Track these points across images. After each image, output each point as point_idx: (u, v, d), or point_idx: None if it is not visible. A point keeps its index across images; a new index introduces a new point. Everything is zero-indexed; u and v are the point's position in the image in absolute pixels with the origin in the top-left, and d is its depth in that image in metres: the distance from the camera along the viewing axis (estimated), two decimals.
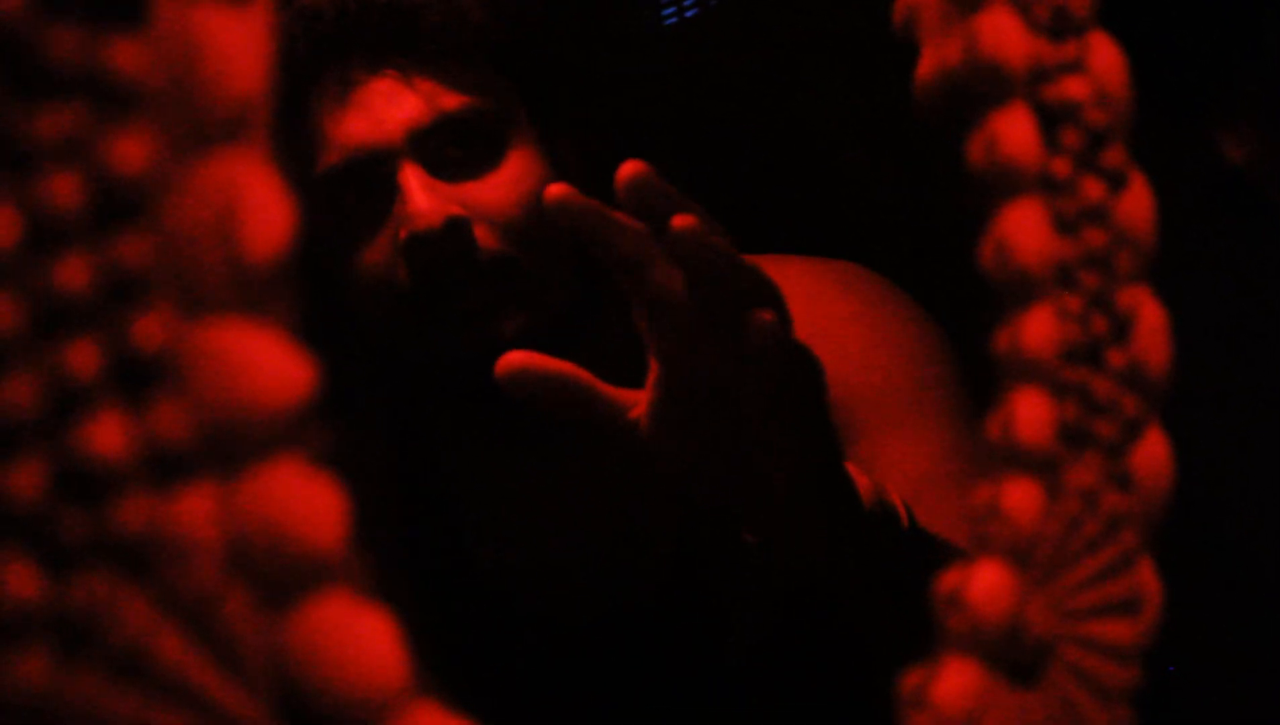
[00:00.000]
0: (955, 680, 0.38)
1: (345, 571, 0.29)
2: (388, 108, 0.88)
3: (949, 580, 0.39)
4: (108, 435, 0.28)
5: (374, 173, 0.89)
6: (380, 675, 0.30)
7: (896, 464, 0.87)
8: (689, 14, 1.76)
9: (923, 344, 0.94)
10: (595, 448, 0.95)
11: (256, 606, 0.29)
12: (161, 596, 0.29)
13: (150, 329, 0.28)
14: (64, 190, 0.28)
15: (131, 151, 0.29)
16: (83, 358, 0.28)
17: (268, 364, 0.29)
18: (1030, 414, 0.39)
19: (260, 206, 0.29)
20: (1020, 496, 0.39)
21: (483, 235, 0.88)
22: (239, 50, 0.29)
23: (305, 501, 0.29)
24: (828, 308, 0.94)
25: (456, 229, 0.87)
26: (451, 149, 0.89)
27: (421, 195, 0.87)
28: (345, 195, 0.89)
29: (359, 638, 0.29)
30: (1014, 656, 0.39)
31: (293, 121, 0.90)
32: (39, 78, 0.28)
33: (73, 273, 0.28)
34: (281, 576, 0.29)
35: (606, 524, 0.97)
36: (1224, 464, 0.87)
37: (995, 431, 0.39)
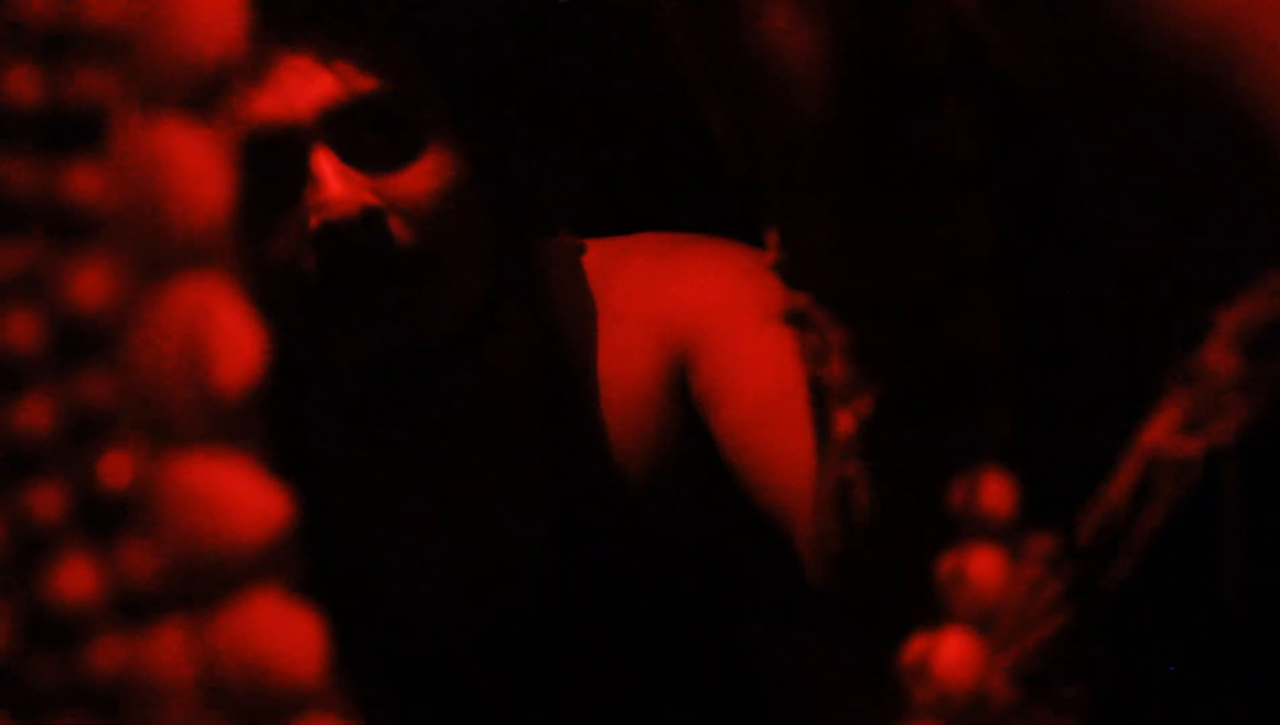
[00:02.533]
0: None
1: (326, 699, 0.29)
2: (301, 85, 0.84)
3: (914, 649, 0.39)
4: (75, 579, 0.27)
5: (284, 154, 0.85)
6: None
7: (742, 383, 0.88)
8: None
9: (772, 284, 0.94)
10: (479, 448, 0.95)
11: None
12: None
13: (117, 466, 0.28)
14: (21, 328, 0.27)
15: (92, 284, 0.28)
16: (46, 501, 0.27)
17: (242, 497, 0.28)
18: (994, 484, 0.39)
19: (229, 334, 0.28)
20: (984, 564, 0.40)
21: (398, 228, 0.85)
22: (202, 170, 0.28)
23: (283, 633, 0.28)
24: (693, 255, 0.95)
25: (372, 220, 0.84)
26: (368, 135, 0.86)
27: (336, 182, 0.84)
28: (252, 177, 0.86)
29: None
30: (978, 723, 0.40)
31: None
32: None
33: (34, 414, 0.27)
34: (261, 711, 0.28)
35: (488, 524, 0.96)
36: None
37: (959, 500, 0.39)
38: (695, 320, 0.91)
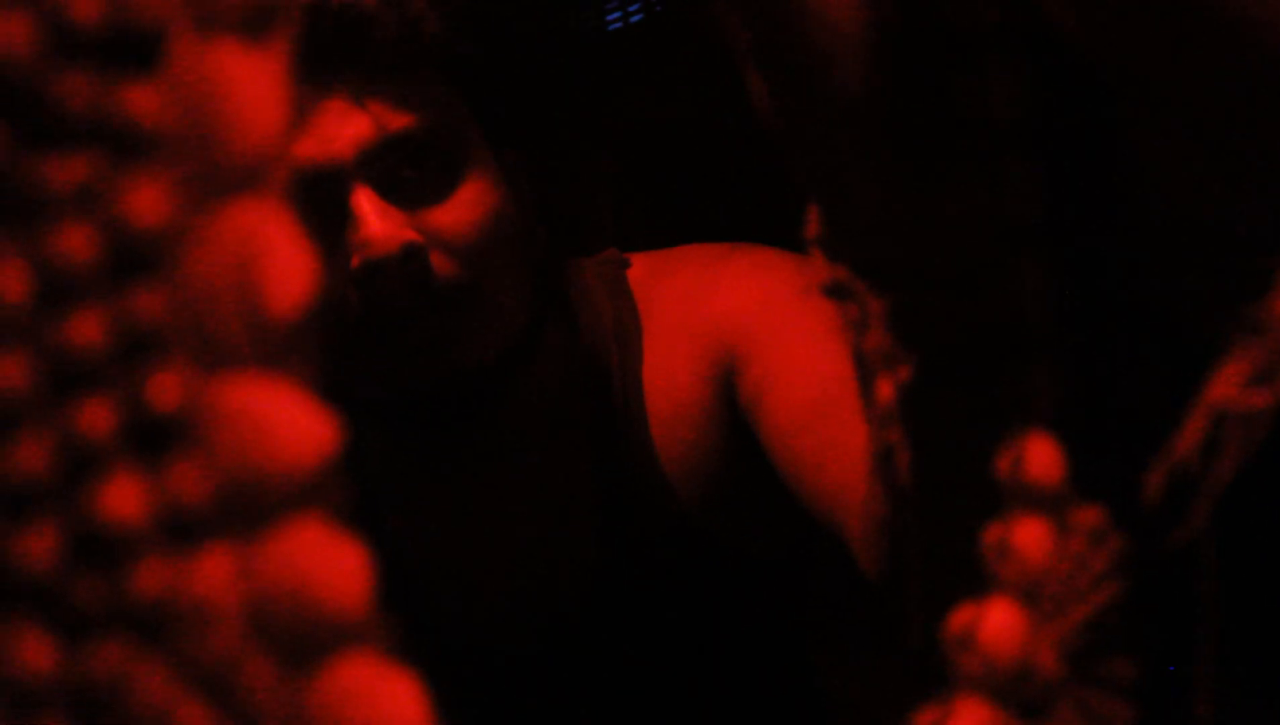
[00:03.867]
0: (968, 721, 0.38)
1: (370, 633, 0.29)
2: (337, 126, 0.86)
3: (959, 619, 0.38)
4: (123, 498, 0.27)
5: (325, 194, 0.86)
6: None
7: (791, 385, 0.87)
8: (634, 19, 1.76)
9: (812, 293, 0.93)
10: (527, 467, 0.95)
11: (278, 672, 0.28)
12: (180, 664, 0.28)
13: (167, 387, 0.27)
14: (77, 242, 0.27)
15: (147, 201, 0.27)
16: (96, 418, 0.27)
17: (289, 422, 0.28)
18: (1041, 453, 0.39)
19: (281, 258, 0.28)
20: (1030, 534, 0.39)
21: (439, 262, 0.86)
22: (258, 93, 0.28)
23: (328, 562, 0.28)
24: (736, 263, 0.95)
25: (412, 257, 0.85)
26: (406, 170, 0.87)
27: (375, 220, 0.85)
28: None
29: (384, 703, 0.29)
30: (1025, 696, 0.39)
31: None
32: (50, 125, 0.27)
33: (86, 329, 0.27)
34: (304, 640, 0.28)
35: (538, 541, 0.96)
36: None
37: (1005, 470, 0.39)
38: (741, 326, 0.91)
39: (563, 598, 0.95)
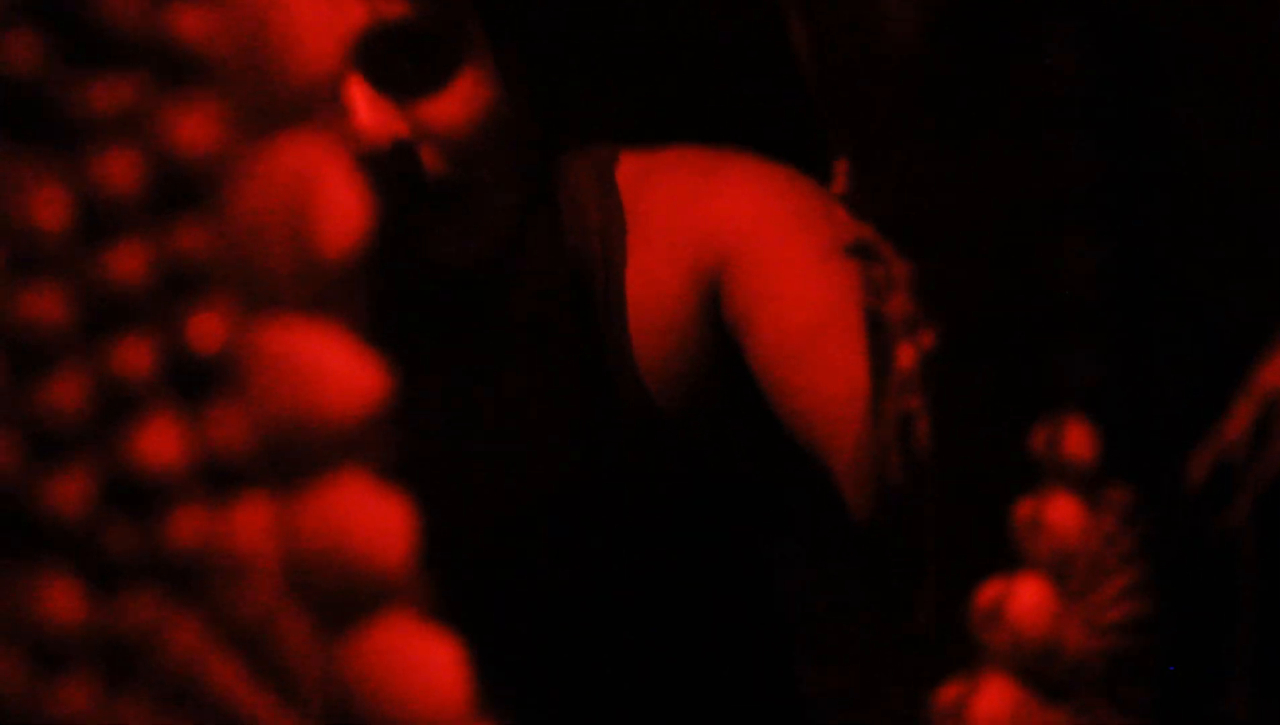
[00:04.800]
0: (993, 697, 0.37)
1: (410, 593, 0.27)
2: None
3: (987, 594, 0.38)
4: (160, 443, 0.26)
5: None
6: (442, 706, 0.28)
7: (782, 308, 0.86)
8: None
9: (812, 207, 0.90)
10: (509, 366, 0.93)
11: (314, 630, 0.27)
12: (213, 619, 0.26)
13: (209, 327, 0.26)
14: (120, 170, 0.25)
15: (195, 129, 0.26)
16: (135, 356, 0.26)
17: (336, 369, 0.26)
18: (1077, 430, 0.38)
19: (335, 197, 0.26)
20: (1063, 511, 0.38)
21: (430, 158, 0.84)
22: (314, 20, 0.26)
23: (371, 518, 0.27)
24: (730, 171, 0.93)
25: (403, 153, 0.82)
26: (400, 61, 0.83)
27: (367, 111, 0.81)
28: None
29: (423, 666, 0.27)
30: (1050, 675, 0.38)
31: None
32: (96, 45, 0.25)
33: (127, 262, 0.25)
34: (343, 599, 0.27)
35: (517, 441, 0.95)
36: None
37: (1041, 446, 0.38)
38: (732, 238, 0.89)
39: (539, 497, 0.94)
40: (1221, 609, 0.38)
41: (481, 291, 0.89)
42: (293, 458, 0.26)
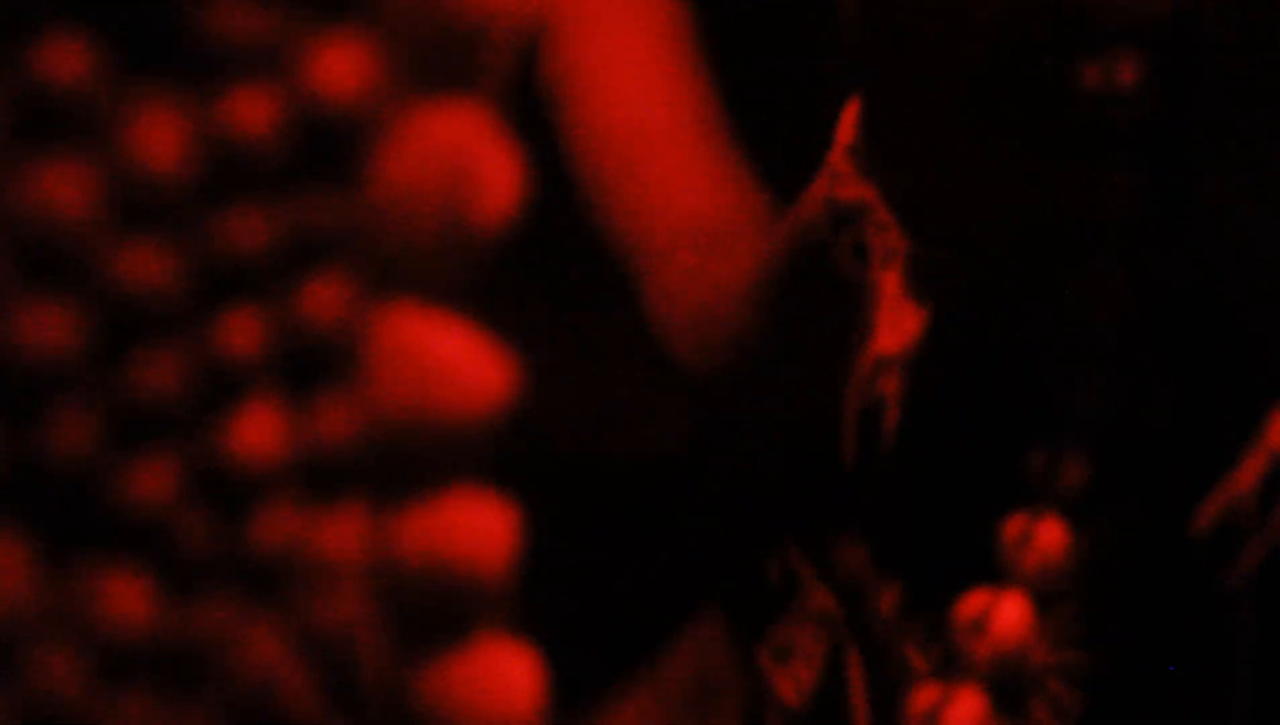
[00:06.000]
0: (967, 706, 0.37)
1: (501, 611, 0.25)
2: None
3: (971, 605, 0.38)
4: (258, 431, 0.22)
5: None
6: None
7: (615, 99, 0.72)
8: None
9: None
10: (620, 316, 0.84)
11: (396, 649, 0.24)
12: (290, 628, 0.23)
13: (327, 305, 0.22)
14: (250, 113, 0.21)
15: (339, 72, 0.22)
16: (243, 334, 0.22)
17: (463, 367, 0.23)
18: (1074, 457, 0.38)
19: (492, 171, 0.23)
20: (1051, 533, 0.38)
21: None
22: None
23: (478, 536, 0.24)
24: None
25: None
26: None
27: None
28: None
29: (500, 692, 0.25)
30: (1010, 687, 0.39)
31: None
32: None
33: (247, 224, 0.22)
34: (434, 619, 0.24)
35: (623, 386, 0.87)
36: None
37: (1037, 470, 0.38)
38: None
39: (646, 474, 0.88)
40: (1218, 665, 0.39)
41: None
42: (403, 461, 0.23)
